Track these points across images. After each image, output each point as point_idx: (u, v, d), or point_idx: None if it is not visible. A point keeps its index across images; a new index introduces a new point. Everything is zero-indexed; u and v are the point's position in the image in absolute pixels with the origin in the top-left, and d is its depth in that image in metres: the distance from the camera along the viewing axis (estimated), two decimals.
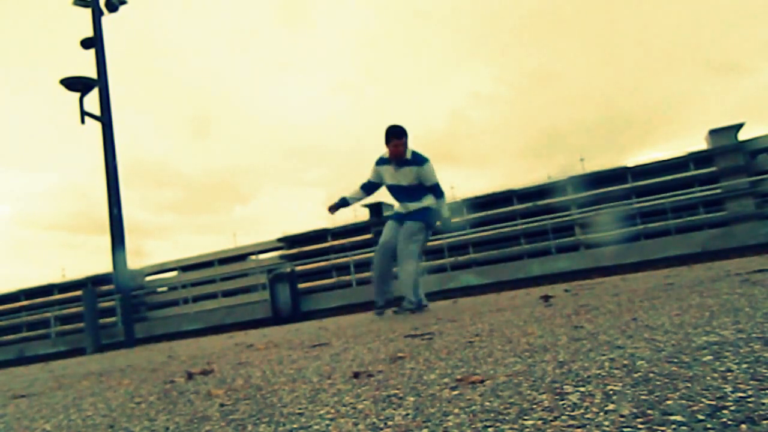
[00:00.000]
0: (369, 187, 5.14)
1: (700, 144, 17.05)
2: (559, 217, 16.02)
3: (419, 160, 4.81)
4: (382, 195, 5.23)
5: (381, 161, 4.99)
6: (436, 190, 4.90)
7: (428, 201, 4.92)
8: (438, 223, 5.10)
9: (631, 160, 17.31)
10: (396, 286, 5.01)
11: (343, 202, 5.13)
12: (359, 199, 5.18)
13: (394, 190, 4.98)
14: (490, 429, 0.97)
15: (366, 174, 5.12)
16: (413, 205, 4.90)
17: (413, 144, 4.87)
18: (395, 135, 4.76)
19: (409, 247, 4.81)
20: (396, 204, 5.11)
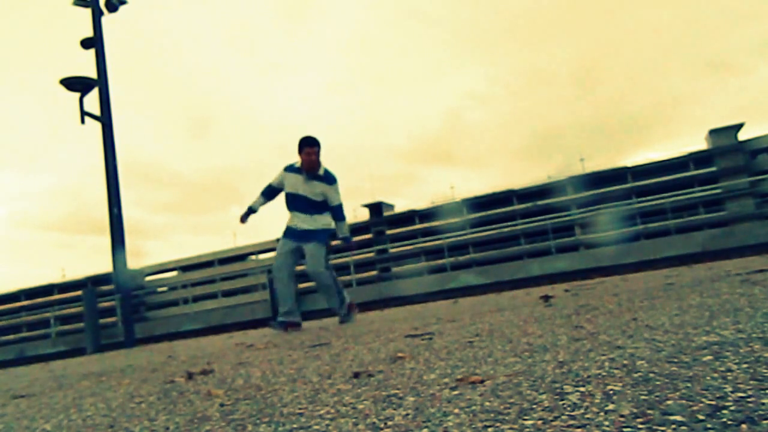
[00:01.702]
0: (270, 193, 5.17)
1: (699, 144, 17.05)
2: (559, 217, 16.01)
3: (330, 178, 4.97)
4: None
5: (291, 169, 5.04)
6: (340, 211, 5.04)
7: (328, 219, 5.04)
8: (336, 241, 5.23)
9: (630, 160, 17.32)
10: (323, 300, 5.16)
11: (251, 210, 5.21)
12: (262, 204, 5.23)
13: (298, 199, 4.98)
14: (490, 429, 0.97)
15: (269, 178, 5.16)
16: (313, 220, 4.96)
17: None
18: (308, 144, 4.86)
19: (320, 269, 4.91)
20: (292, 216, 5.07)
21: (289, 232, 5.05)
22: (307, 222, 4.95)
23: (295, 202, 4.99)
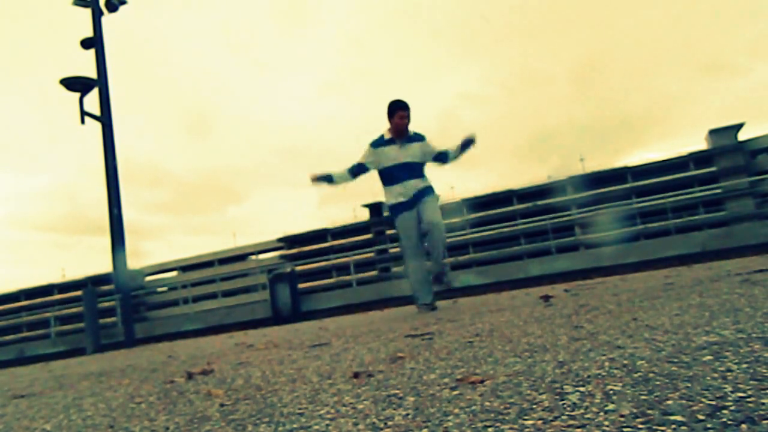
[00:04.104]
0: (357, 171, 4.83)
1: (697, 144, 17.05)
2: (559, 217, 16.01)
3: (421, 136, 4.82)
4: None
5: (380, 142, 4.76)
6: (444, 153, 4.85)
7: (428, 180, 4.86)
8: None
9: (629, 160, 17.33)
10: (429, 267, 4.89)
11: (329, 179, 4.84)
12: (343, 182, 4.87)
13: (401, 169, 4.73)
14: (490, 429, 0.97)
15: (356, 158, 4.82)
16: (421, 181, 4.77)
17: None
18: (401, 107, 4.66)
19: (440, 218, 4.69)
20: (394, 190, 4.80)
21: (403, 205, 4.77)
22: (416, 185, 4.75)
23: (400, 172, 4.73)
